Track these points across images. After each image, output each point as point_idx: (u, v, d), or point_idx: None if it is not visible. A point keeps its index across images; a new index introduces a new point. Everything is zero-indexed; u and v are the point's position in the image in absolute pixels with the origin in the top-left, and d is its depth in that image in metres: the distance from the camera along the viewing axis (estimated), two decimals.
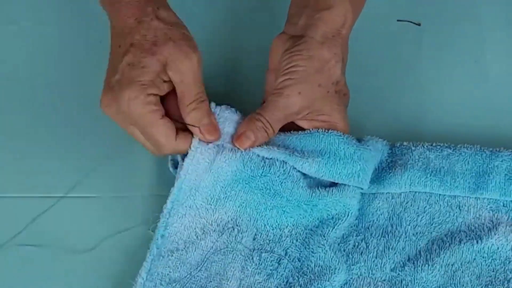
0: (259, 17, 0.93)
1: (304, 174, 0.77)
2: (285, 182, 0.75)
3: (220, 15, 0.93)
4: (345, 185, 0.77)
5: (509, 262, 0.75)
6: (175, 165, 0.79)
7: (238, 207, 0.75)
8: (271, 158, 0.76)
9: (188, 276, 0.73)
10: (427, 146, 0.80)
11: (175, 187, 0.75)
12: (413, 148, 0.80)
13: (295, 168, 0.76)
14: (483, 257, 0.75)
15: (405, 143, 0.81)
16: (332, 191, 0.76)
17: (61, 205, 0.79)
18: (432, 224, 0.77)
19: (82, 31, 0.91)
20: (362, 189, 0.78)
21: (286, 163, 0.76)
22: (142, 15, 0.73)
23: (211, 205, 0.75)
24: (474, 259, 0.75)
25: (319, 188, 0.77)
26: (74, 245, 0.77)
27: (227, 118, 0.77)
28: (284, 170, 0.76)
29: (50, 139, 0.84)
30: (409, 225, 0.77)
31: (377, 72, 0.89)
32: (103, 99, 0.73)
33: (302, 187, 0.76)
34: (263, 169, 0.75)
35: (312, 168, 0.76)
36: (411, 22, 0.91)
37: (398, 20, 0.92)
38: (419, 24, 0.91)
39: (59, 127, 0.85)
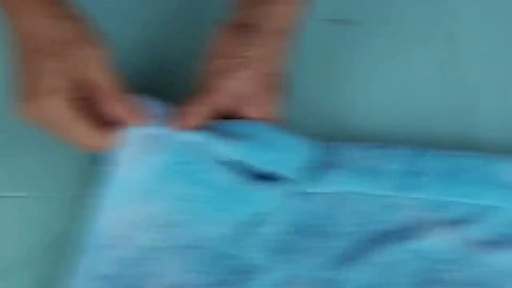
0: (189, 16, 0.93)
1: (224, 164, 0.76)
2: (210, 170, 0.75)
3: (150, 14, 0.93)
4: (270, 179, 0.77)
5: (441, 261, 0.76)
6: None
7: (171, 201, 0.74)
8: (191, 143, 0.75)
9: (117, 273, 0.72)
10: (359, 146, 0.81)
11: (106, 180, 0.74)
12: (346, 148, 0.81)
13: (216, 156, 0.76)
14: (416, 257, 0.76)
15: (338, 143, 0.81)
16: (257, 182, 0.76)
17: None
18: (366, 224, 0.78)
19: None
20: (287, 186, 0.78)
21: (208, 148, 0.75)
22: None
23: (143, 199, 0.74)
24: (407, 258, 0.76)
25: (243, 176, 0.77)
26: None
27: (152, 107, 0.76)
28: (206, 157, 0.75)
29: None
30: (343, 224, 0.78)
31: (312, 71, 0.89)
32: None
33: (227, 171, 0.75)
34: (186, 158, 0.75)
35: (234, 149, 0.75)
36: (344, 23, 0.92)
37: (330, 21, 0.92)
38: (353, 24, 0.92)
39: None
